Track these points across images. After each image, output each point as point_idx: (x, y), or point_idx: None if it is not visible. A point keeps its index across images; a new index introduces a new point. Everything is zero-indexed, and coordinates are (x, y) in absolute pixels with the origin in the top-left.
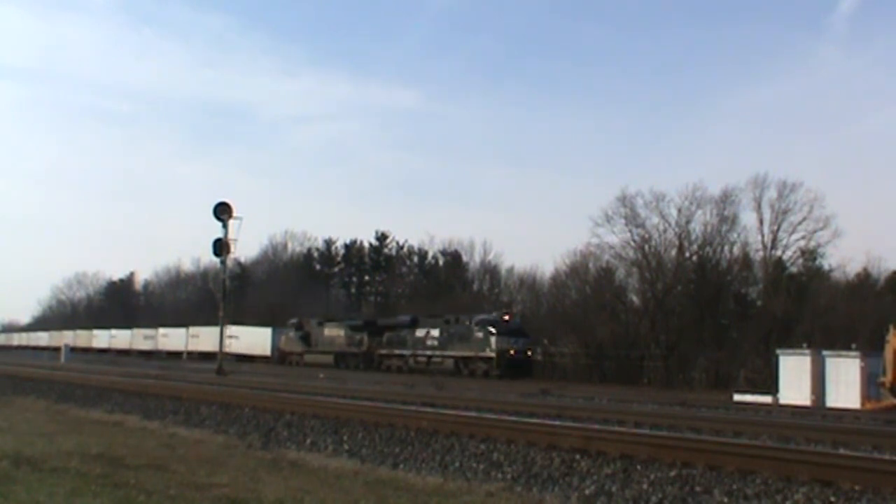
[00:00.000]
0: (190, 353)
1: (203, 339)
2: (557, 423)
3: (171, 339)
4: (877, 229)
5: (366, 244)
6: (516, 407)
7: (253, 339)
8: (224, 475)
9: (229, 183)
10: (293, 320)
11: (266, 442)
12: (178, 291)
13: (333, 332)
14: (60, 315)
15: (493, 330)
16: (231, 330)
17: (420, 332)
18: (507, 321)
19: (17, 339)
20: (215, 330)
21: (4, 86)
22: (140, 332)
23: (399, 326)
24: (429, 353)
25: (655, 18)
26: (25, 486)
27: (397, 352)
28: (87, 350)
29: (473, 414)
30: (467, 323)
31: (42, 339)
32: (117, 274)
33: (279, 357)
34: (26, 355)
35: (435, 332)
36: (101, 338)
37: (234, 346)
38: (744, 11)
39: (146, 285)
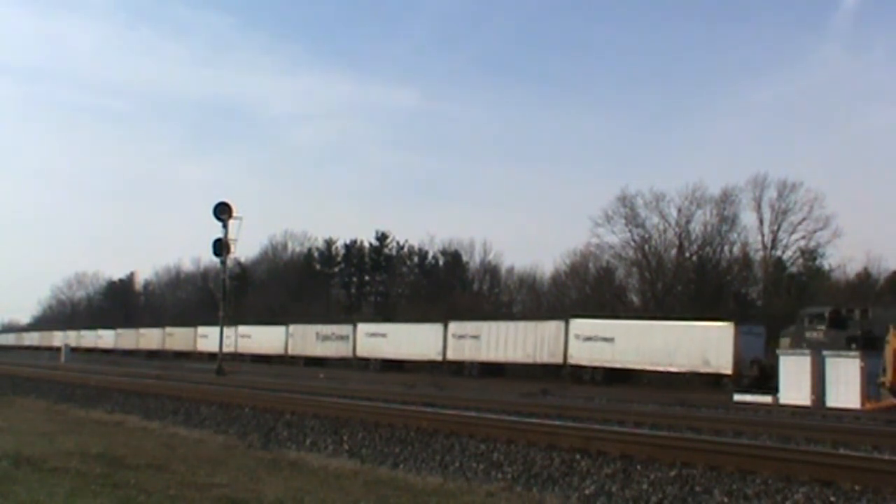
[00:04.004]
0: (413, 363)
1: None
2: (557, 423)
3: (392, 338)
4: (877, 229)
5: (366, 244)
6: (516, 407)
7: (669, 343)
8: (224, 475)
9: (229, 183)
10: (814, 310)
11: (266, 442)
12: (178, 291)
13: None
14: (61, 315)
15: None
16: (579, 326)
17: None
18: None
19: (59, 339)
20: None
21: (4, 85)
22: (311, 330)
23: None
24: None
25: (656, 17)
26: (25, 486)
27: None
28: (188, 355)
29: (473, 414)
30: None
31: (105, 339)
32: (117, 274)
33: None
34: (100, 361)
35: None
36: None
37: (581, 354)
38: (745, 10)
39: (146, 285)
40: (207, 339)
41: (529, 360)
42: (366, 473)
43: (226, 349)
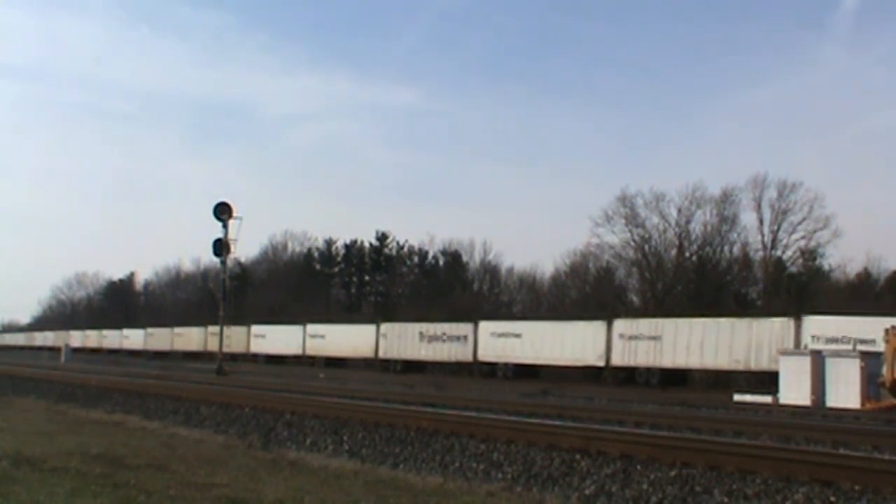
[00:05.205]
0: (559, 369)
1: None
2: (557, 423)
3: (530, 339)
4: (877, 229)
5: (366, 244)
6: (516, 407)
7: None
8: (224, 475)
9: (229, 183)
10: None
11: (266, 442)
12: (178, 291)
13: None
14: (61, 315)
15: None
16: (818, 324)
17: None
18: None
19: (77, 339)
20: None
21: (3, 84)
22: (412, 329)
23: None
24: None
25: (656, 17)
26: (25, 486)
27: None
28: (239, 357)
29: (473, 414)
30: None
31: (132, 339)
32: (117, 274)
33: None
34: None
35: None
36: (276, 337)
37: None
38: (745, 10)
39: (146, 285)
40: (265, 339)
41: (739, 367)
42: (366, 473)
43: (289, 351)
